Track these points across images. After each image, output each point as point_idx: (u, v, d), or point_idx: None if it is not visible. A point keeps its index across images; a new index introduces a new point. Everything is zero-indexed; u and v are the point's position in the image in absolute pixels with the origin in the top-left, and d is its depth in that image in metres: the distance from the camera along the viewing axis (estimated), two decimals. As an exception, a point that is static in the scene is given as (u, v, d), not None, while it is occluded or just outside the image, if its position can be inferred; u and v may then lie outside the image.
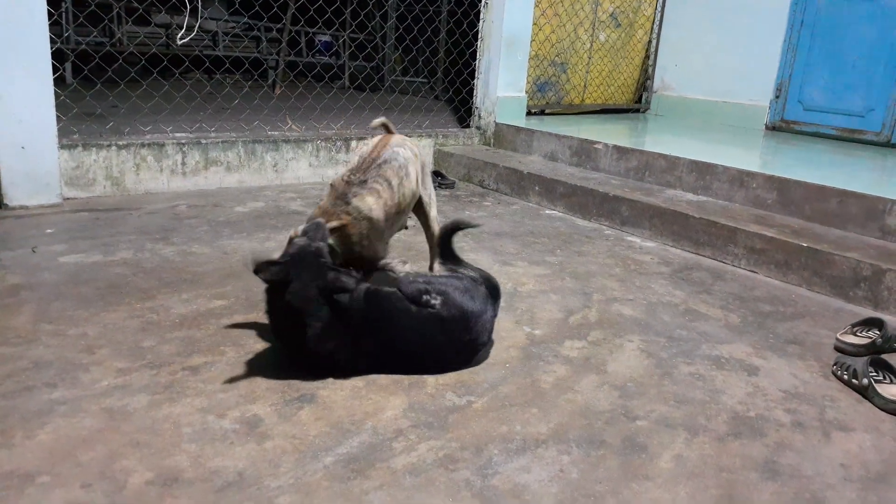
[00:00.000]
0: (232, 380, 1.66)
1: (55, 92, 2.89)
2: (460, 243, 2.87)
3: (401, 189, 1.94)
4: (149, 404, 1.53)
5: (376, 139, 2.02)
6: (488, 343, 1.87)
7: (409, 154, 2.00)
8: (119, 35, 5.79)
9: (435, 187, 3.86)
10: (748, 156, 3.95)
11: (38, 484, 1.25)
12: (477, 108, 4.65)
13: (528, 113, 4.79)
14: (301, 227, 1.78)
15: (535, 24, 4.60)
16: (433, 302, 1.68)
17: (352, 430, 1.49)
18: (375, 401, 1.62)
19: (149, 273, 2.29)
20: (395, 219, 1.97)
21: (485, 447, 1.47)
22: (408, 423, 1.54)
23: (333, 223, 1.82)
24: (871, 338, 2.04)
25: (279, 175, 3.71)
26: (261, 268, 1.62)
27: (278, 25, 6.77)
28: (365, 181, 1.87)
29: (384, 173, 1.90)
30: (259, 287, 2.20)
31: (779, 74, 4.89)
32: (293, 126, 4.03)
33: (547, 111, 5.09)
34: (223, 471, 1.32)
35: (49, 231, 2.64)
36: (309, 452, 1.40)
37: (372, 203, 1.86)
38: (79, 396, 1.54)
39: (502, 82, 4.49)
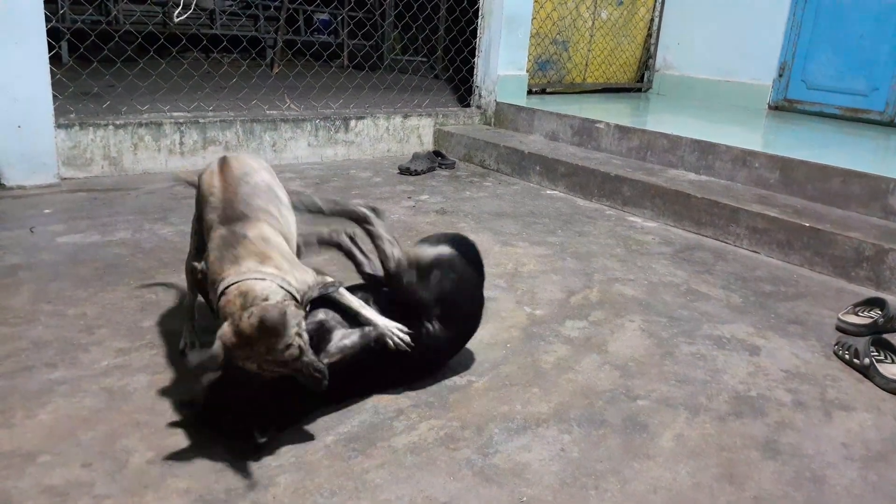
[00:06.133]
0: (232, 360, 1.65)
1: (51, 71, 2.85)
2: (461, 224, 2.86)
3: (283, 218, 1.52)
4: (149, 384, 1.53)
5: (214, 176, 1.50)
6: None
7: (267, 176, 1.59)
8: (115, 13, 5.71)
9: (435, 167, 3.86)
10: (751, 135, 3.92)
11: (39, 463, 1.25)
12: (477, 87, 4.60)
13: (529, 92, 4.75)
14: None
15: (536, 1, 4.54)
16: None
17: (352, 409, 1.49)
18: (376, 380, 1.61)
19: (147, 253, 2.28)
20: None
21: (486, 426, 1.47)
22: (408, 403, 1.53)
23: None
24: (872, 318, 2.04)
25: (278, 155, 3.68)
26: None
27: (276, 3, 6.69)
28: (247, 215, 1.40)
29: (257, 203, 1.44)
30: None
31: (782, 53, 4.84)
32: (292, 105, 4.00)
33: (548, 90, 5.04)
34: (224, 450, 1.32)
35: (47, 211, 2.62)
36: (310, 431, 1.40)
37: (269, 231, 1.39)
38: (78, 376, 1.53)
39: (503, 61, 4.44)
